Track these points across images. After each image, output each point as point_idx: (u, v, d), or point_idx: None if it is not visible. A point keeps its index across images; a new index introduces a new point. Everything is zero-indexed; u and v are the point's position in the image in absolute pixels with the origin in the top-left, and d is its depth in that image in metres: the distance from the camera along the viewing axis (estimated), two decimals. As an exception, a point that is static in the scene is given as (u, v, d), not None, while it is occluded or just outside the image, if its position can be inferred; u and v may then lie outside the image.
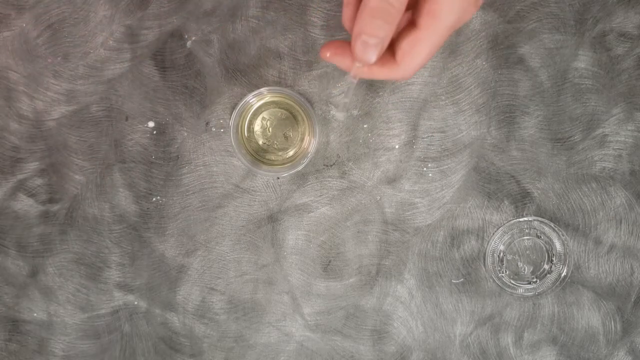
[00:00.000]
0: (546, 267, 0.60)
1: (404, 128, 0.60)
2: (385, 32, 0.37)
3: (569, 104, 0.59)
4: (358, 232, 0.60)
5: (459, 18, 0.37)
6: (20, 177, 0.60)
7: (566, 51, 0.59)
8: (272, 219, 0.60)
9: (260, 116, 0.59)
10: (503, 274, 0.60)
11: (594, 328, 0.60)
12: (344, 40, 0.41)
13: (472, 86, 0.59)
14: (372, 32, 0.37)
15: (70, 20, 0.59)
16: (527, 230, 0.60)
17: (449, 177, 0.60)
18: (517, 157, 0.59)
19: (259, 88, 0.57)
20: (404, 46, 0.38)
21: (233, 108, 0.59)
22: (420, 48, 0.38)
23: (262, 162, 0.59)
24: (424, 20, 0.37)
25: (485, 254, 0.60)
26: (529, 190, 0.60)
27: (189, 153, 0.60)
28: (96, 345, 0.61)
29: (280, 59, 0.59)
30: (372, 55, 0.38)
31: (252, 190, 0.60)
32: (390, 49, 0.39)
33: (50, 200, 0.60)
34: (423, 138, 0.60)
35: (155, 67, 0.59)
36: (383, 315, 0.61)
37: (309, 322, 0.61)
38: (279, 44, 0.59)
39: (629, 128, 0.59)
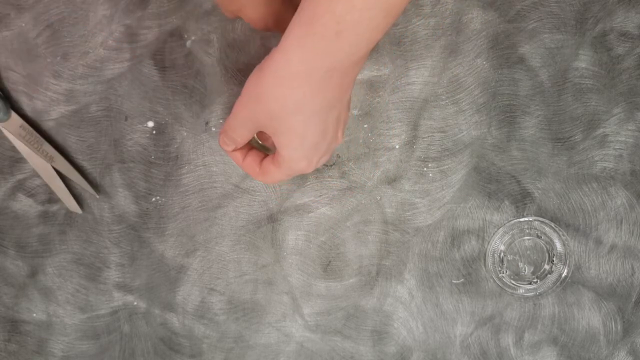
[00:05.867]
0: (547, 267, 0.60)
1: (404, 128, 0.59)
2: (233, 145, 0.52)
3: (569, 104, 0.59)
4: (358, 232, 0.60)
5: (293, 173, 0.51)
6: (19, 177, 0.60)
7: (567, 51, 0.59)
8: (272, 219, 0.60)
9: (260, 116, 0.59)
10: (503, 274, 0.60)
11: (595, 328, 0.60)
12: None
13: (473, 86, 0.59)
14: (226, 139, 0.52)
15: (70, 19, 0.59)
16: (527, 231, 0.60)
17: (450, 177, 0.60)
18: (517, 157, 0.59)
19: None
20: (264, 167, 0.52)
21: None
22: (272, 175, 0.52)
23: (262, 162, 0.59)
24: (275, 160, 0.51)
25: (485, 254, 0.60)
26: (529, 190, 0.60)
27: (188, 153, 0.60)
28: (96, 345, 0.61)
29: (280, 58, 0.59)
30: (227, 149, 0.53)
31: (252, 190, 0.60)
32: (262, 160, 0.53)
33: (50, 201, 0.60)
34: (423, 138, 0.59)
35: (155, 67, 0.59)
36: (383, 315, 0.60)
37: (309, 323, 0.61)
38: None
39: (630, 128, 0.59)
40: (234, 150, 0.53)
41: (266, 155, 0.53)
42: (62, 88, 0.59)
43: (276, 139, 0.48)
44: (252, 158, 0.53)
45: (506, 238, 0.60)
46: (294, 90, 0.44)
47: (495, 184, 0.60)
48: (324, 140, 0.49)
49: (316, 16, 0.41)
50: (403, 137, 0.59)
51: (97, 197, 0.60)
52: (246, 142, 0.52)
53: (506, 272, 0.60)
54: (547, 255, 0.60)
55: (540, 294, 0.59)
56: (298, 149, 0.48)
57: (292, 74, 0.44)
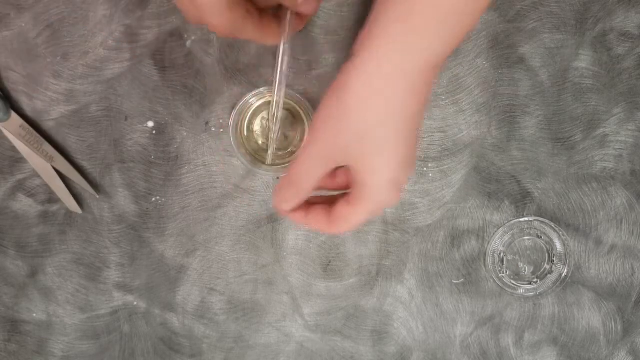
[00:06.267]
0: (547, 267, 0.60)
1: (404, 128, 0.59)
2: (296, 201, 0.47)
3: (569, 104, 0.59)
4: (358, 232, 0.60)
5: (379, 207, 0.45)
6: (19, 177, 0.60)
7: (567, 51, 0.59)
8: (272, 219, 0.60)
9: (260, 116, 0.59)
10: (503, 274, 0.60)
11: (595, 328, 0.60)
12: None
13: (473, 86, 0.59)
14: (287, 196, 0.47)
15: (70, 19, 0.59)
16: (527, 231, 0.60)
17: (450, 177, 0.60)
18: (517, 157, 0.59)
19: (258, 88, 0.57)
20: (336, 214, 0.46)
21: (232, 108, 0.58)
22: (348, 219, 0.46)
23: (262, 162, 0.59)
24: (353, 199, 0.45)
25: (485, 254, 0.60)
26: (529, 190, 0.60)
27: (188, 153, 0.60)
28: (96, 345, 0.61)
29: (280, 58, 0.59)
30: (285, 208, 0.48)
31: (252, 190, 0.60)
32: (329, 209, 0.47)
33: (50, 201, 0.60)
34: (423, 138, 0.59)
35: (155, 67, 0.59)
36: (383, 315, 0.60)
37: (309, 323, 0.61)
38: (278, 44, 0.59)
39: (630, 128, 0.59)
40: (295, 208, 0.48)
41: (331, 204, 0.47)
42: (62, 88, 0.59)
43: (361, 166, 0.43)
44: (318, 210, 0.48)
45: (506, 238, 0.60)
46: (388, 96, 0.41)
47: (495, 184, 0.60)
48: (412, 155, 0.45)
49: (414, 10, 0.40)
50: (403, 137, 0.59)
51: (97, 197, 0.60)
52: (314, 189, 0.46)
53: (506, 272, 0.60)
54: (547, 255, 0.60)
55: (540, 294, 0.59)
56: (387, 170, 0.44)
57: (386, 78, 0.41)
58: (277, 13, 0.51)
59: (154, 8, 0.59)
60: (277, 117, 0.55)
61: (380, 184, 0.44)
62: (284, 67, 0.51)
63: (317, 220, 0.47)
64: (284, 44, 0.51)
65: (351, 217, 0.46)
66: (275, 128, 0.56)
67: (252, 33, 0.48)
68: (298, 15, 0.49)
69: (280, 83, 0.53)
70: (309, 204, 0.48)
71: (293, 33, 0.50)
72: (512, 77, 0.59)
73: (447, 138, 0.59)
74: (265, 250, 0.60)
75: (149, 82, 0.59)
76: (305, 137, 0.59)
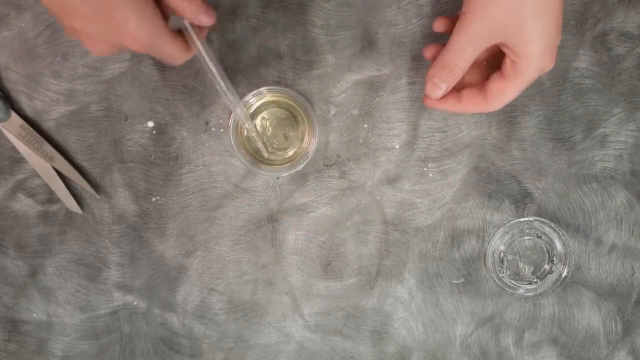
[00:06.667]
0: (547, 267, 0.60)
1: (404, 128, 0.59)
2: (449, 82, 0.50)
3: (569, 104, 0.59)
4: (358, 232, 0.60)
5: (536, 74, 0.48)
6: (19, 177, 0.60)
7: (567, 51, 0.59)
8: (272, 219, 0.60)
9: (260, 116, 0.59)
10: (503, 274, 0.60)
11: (595, 328, 0.60)
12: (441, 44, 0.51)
13: (473, 86, 0.59)
14: (440, 78, 0.50)
15: (70, 19, 0.59)
16: (527, 231, 0.60)
17: (450, 177, 0.60)
18: (517, 157, 0.59)
19: (258, 88, 0.57)
20: (492, 89, 0.49)
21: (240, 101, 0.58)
22: (504, 93, 0.49)
23: (262, 162, 0.59)
24: (508, 73, 0.48)
25: (485, 254, 0.60)
26: (529, 190, 0.60)
27: (188, 153, 0.60)
28: (95, 345, 0.61)
29: (280, 58, 0.59)
30: (438, 94, 0.51)
31: (252, 190, 0.60)
32: (482, 89, 0.50)
33: (50, 201, 0.60)
34: (423, 138, 0.59)
35: (155, 67, 0.59)
36: (383, 315, 0.60)
37: (309, 323, 0.61)
38: (278, 44, 0.59)
39: (630, 128, 0.59)
40: (447, 93, 0.51)
41: (480, 86, 0.51)
42: (62, 88, 0.59)
43: (518, 37, 0.47)
44: (471, 92, 0.51)
45: (506, 238, 0.60)
46: None
47: (495, 184, 0.60)
48: (561, 19, 0.47)
49: None
50: (403, 137, 0.59)
51: (97, 197, 0.60)
52: (463, 74, 0.50)
53: (506, 272, 0.60)
54: (547, 255, 0.60)
55: (540, 294, 0.59)
56: (544, 36, 0.47)
57: None
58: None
59: (154, 8, 0.59)
60: (237, 114, 0.55)
61: (538, 51, 0.47)
62: (215, 70, 0.50)
63: (472, 101, 0.51)
64: (202, 51, 0.49)
65: (508, 90, 0.49)
66: (247, 126, 0.57)
67: (169, 47, 0.46)
68: (198, 27, 0.48)
69: (221, 82, 0.51)
70: (457, 90, 0.52)
71: (201, 42, 0.49)
72: (512, 77, 0.59)
73: (447, 138, 0.59)
74: (265, 250, 0.60)
75: (149, 82, 0.59)
76: (306, 137, 0.59)
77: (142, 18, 0.43)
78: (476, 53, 0.49)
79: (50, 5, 0.43)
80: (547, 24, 0.47)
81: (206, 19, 0.46)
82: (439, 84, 0.51)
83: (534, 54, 0.47)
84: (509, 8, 0.46)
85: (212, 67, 0.50)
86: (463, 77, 0.52)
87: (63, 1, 0.43)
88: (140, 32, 0.43)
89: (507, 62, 0.49)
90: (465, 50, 0.49)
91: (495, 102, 0.50)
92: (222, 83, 0.51)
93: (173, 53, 0.46)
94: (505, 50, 0.48)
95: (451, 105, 0.52)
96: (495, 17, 0.47)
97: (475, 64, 0.52)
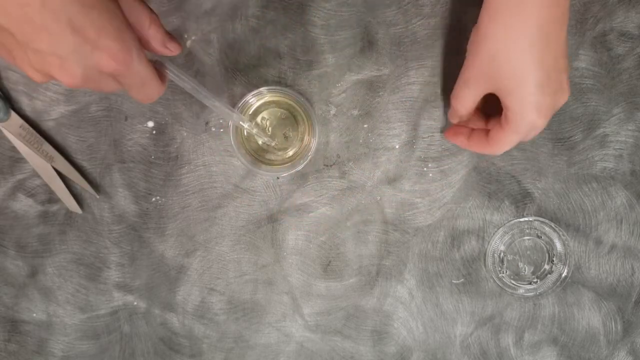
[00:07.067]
0: (547, 267, 0.60)
1: (404, 128, 0.59)
2: (455, 119, 0.55)
3: (569, 104, 0.59)
4: (358, 232, 0.60)
5: (528, 130, 0.49)
6: (19, 177, 0.60)
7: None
8: (272, 219, 0.60)
9: (260, 116, 0.59)
10: (503, 274, 0.60)
11: (595, 328, 0.60)
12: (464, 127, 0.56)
13: (473, 86, 0.59)
14: (450, 114, 0.56)
15: (70, 19, 0.59)
16: (527, 231, 0.60)
17: (450, 177, 0.60)
18: (517, 157, 0.59)
19: (258, 88, 0.57)
20: (493, 136, 0.52)
21: (233, 108, 0.58)
22: (502, 142, 0.51)
23: (262, 162, 0.59)
24: (503, 123, 0.50)
25: (485, 254, 0.59)
26: (529, 190, 0.60)
27: (188, 153, 0.60)
28: (95, 345, 0.61)
29: (280, 58, 0.59)
30: (453, 122, 0.56)
31: (252, 190, 0.60)
32: (488, 132, 0.53)
33: (50, 201, 0.60)
34: (423, 138, 0.59)
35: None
36: (383, 315, 0.60)
37: (309, 323, 0.61)
38: (278, 44, 0.59)
39: (630, 128, 0.59)
40: (458, 127, 0.56)
41: (487, 129, 0.53)
42: (62, 88, 0.59)
43: (503, 90, 0.48)
44: (478, 134, 0.54)
45: (506, 238, 0.60)
46: (520, 27, 0.46)
47: (495, 184, 0.60)
48: (556, 80, 0.48)
49: None
50: (403, 137, 0.59)
51: (97, 197, 0.60)
52: (470, 112, 0.53)
53: (506, 272, 0.60)
54: (547, 255, 0.60)
55: (540, 294, 0.59)
56: (527, 93, 0.48)
57: (518, 15, 0.46)
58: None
59: (154, 8, 0.58)
60: (237, 124, 0.55)
61: (522, 106, 0.48)
62: (201, 93, 0.49)
63: (477, 142, 0.54)
64: (181, 76, 0.47)
65: (504, 139, 0.51)
66: (253, 131, 0.57)
67: (149, 71, 0.41)
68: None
69: (209, 101, 0.50)
70: (471, 129, 0.55)
71: (176, 68, 0.47)
72: (512, 77, 0.59)
73: (447, 138, 0.59)
74: (265, 250, 0.60)
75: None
76: (306, 137, 0.59)
77: (118, 29, 0.38)
78: (474, 98, 0.51)
79: (9, 26, 0.35)
80: (531, 82, 0.47)
81: (174, 47, 0.43)
82: (451, 117, 0.55)
83: (519, 110, 0.48)
84: (489, 58, 0.48)
85: (198, 92, 0.49)
86: (477, 117, 0.55)
87: (28, 17, 0.35)
88: (118, 47, 0.38)
89: (504, 113, 0.50)
90: (462, 94, 0.52)
91: (496, 149, 0.52)
92: (209, 102, 0.50)
93: (152, 82, 0.42)
94: (501, 99, 0.49)
95: (461, 143, 0.56)
96: (481, 65, 0.48)
97: (486, 106, 0.55)
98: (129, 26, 0.39)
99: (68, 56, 0.37)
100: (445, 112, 0.59)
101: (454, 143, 0.57)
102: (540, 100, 0.48)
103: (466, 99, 0.52)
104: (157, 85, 0.43)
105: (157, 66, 0.45)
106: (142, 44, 0.42)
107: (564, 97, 0.49)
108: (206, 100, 0.50)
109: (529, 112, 0.48)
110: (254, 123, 0.58)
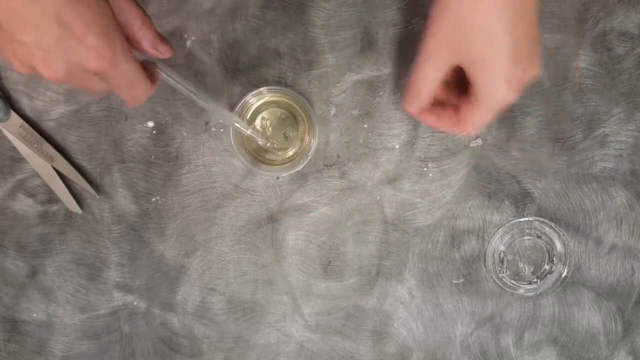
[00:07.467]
0: (547, 267, 0.60)
1: (404, 128, 0.59)
2: (418, 104, 0.49)
3: (569, 104, 0.59)
4: (358, 232, 0.60)
5: (497, 104, 0.45)
6: (19, 177, 0.60)
7: (567, 51, 0.59)
8: (272, 219, 0.60)
9: (260, 116, 0.59)
10: (503, 274, 0.60)
11: (595, 328, 0.60)
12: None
13: (473, 86, 0.59)
14: (410, 100, 0.49)
15: (70, 19, 0.59)
16: (527, 231, 0.60)
17: (450, 177, 0.60)
18: (517, 157, 0.59)
19: (258, 88, 0.57)
20: (462, 114, 0.48)
21: (232, 108, 0.58)
22: (473, 119, 0.47)
23: (262, 162, 0.59)
24: (471, 99, 0.46)
25: (485, 254, 0.59)
26: (529, 190, 0.60)
27: (188, 153, 0.60)
28: (95, 345, 0.61)
29: (280, 58, 0.59)
30: (411, 111, 0.50)
31: (252, 190, 0.60)
32: (458, 111, 0.48)
33: (50, 201, 0.60)
34: (423, 138, 0.59)
35: (155, 67, 0.59)
36: (383, 315, 0.60)
37: (309, 323, 0.61)
38: (278, 44, 0.59)
39: (630, 128, 0.59)
40: (425, 111, 0.49)
41: (457, 108, 0.48)
42: (62, 88, 0.59)
43: (472, 63, 0.44)
44: (448, 112, 0.49)
45: (506, 238, 0.60)
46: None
47: (495, 184, 0.60)
48: (529, 52, 0.43)
49: None
50: (403, 137, 0.59)
51: (97, 197, 0.60)
52: (432, 94, 0.48)
53: (506, 272, 0.60)
54: (547, 255, 0.60)
55: (540, 294, 0.59)
56: (498, 66, 0.43)
57: None
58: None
59: (154, 8, 0.59)
60: (235, 127, 0.55)
61: (492, 80, 0.44)
62: (181, 86, 0.48)
63: (447, 122, 0.49)
64: (176, 78, 0.47)
65: (474, 116, 0.47)
66: (252, 134, 0.56)
67: (136, 71, 0.41)
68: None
69: (205, 104, 0.50)
70: (441, 106, 0.49)
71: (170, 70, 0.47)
72: (512, 77, 0.59)
73: (447, 138, 0.59)
74: (265, 250, 0.60)
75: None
76: (306, 137, 0.59)
77: (105, 27, 0.37)
78: (438, 75, 0.46)
79: None
80: (503, 54, 0.43)
81: (165, 50, 0.42)
82: (411, 103, 0.49)
83: (489, 84, 0.44)
84: (454, 24, 0.43)
85: (190, 92, 0.48)
86: (446, 96, 0.50)
87: (14, 7, 0.34)
88: (104, 45, 0.37)
89: (471, 88, 0.46)
90: (424, 70, 0.46)
91: (467, 126, 0.48)
92: (203, 103, 0.49)
93: (140, 83, 0.41)
94: (468, 75, 0.45)
95: (431, 122, 0.50)
96: (446, 33, 0.44)
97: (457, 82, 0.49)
98: (118, 25, 0.38)
99: (52, 50, 0.36)
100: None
101: (421, 120, 0.51)
102: (511, 71, 0.43)
103: (429, 76, 0.46)
104: (145, 86, 0.42)
105: (149, 66, 0.44)
106: (133, 44, 0.41)
107: (535, 70, 0.44)
108: (200, 102, 0.49)
109: (499, 85, 0.44)
110: (252, 125, 0.58)
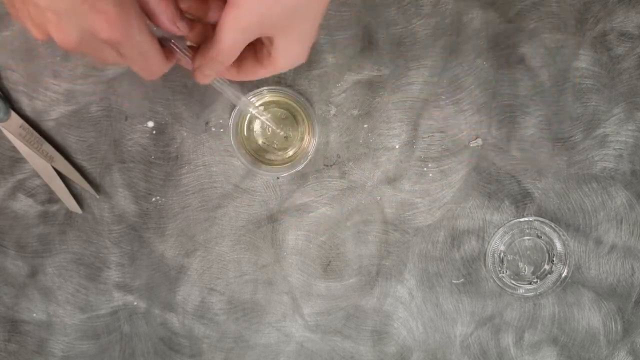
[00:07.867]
0: (547, 267, 0.60)
1: (404, 128, 0.59)
2: (216, 72, 0.45)
3: (569, 104, 0.59)
4: (358, 232, 0.60)
5: (289, 67, 0.45)
6: (19, 177, 0.60)
7: (567, 51, 0.59)
8: (272, 219, 0.60)
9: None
10: (503, 274, 0.60)
11: (595, 328, 0.60)
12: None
13: (473, 86, 0.59)
14: (210, 70, 0.44)
15: (70, 19, 0.59)
16: (527, 231, 0.60)
17: (450, 177, 0.60)
18: (517, 157, 0.59)
19: (258, 87, 0.57)
20: (245, 67, 0.46)
21: (233, 107, 0.58)
22: (253, 74, 0.46)
23: (262, 162, 0.59)
24: (262, 61, 0.45)
25: (485, 254, 0.60)
26: (529, 190, 0.60)
27: (188, 153, 0.60)
28: (95, 345, 0.61)
29: (280, 58, 0.59)
30: (206, 82, 0.46)
31: (252, 190, 0.60)
32: (255, 56, 0.46)
33: (50, 201, 0.60)
34: (423, 138, 0.59)
35: (155, 67, 0.59)
36: (383, 315, 0.60)
37: (309, 323, 0.61)
38: (278, 44, 0.59)
39: (630, 128, 0.59)
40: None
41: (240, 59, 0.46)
42: (62, 88, 0.59)
43: (279, 40, 0.42)
44: (247, 63, 0.47)
45: (506, 238, 0.60)
46: None
47: (495, 184, 0.60)
48: (315, 34, 0.44)
49: None
50: (403, 137, 0.59)
51: (97, 197, 0.60)
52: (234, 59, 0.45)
53: (506, 272, 0.60)
54: (547, 255, 0.60)
55: (540, 294, 0.59)
56: (298, 47, 0.43)
57: None
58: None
59: (154, 8, 0.59)
60: (249, 111, 0.55)
61: (287, 56, 0.44)
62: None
63: (251, 69, 0.46)
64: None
65: (258, 73, 0.46)
66: (264, 118, 0.56)
67: (149, 45, 0.40)
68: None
69: (227, 90, 0.50)
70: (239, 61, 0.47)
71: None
72: (512, 77, 0.59)
73: (447, 138, 0.59)
74: (265, 250, 0.60)
75: (149, 82, 0.59)
76: (306, 137, 0.59)
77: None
78: (246, 43, 0.43)
79: None
80: (305, 39, 0.43)
81: (183, 26, 0.41)
82: (208, 74, 0.45)
83: (283, 61, 0.44)
84: (281, 12, 0.40)
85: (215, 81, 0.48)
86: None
87: None
88: (116, 12, 0.36)
89: (264, 51, 0.44)
90: (235, 45, 0.42)
91: (246, 77, 0.47)
92: (218, 85, 0.49)
93: (154, 57, 0.40)
94: (264, 39, 0.43)
95: (232, 75, 0.48)
96: (268, 16, 0.41)
97: None
98: (134, 2, 0.37)
99: (65, 14, 0.35)
100: (446, 112, 0.59)
101: (220, 77, 0.49)
102: (303, 53, 0.44)
103: (237, 49, 0.42)
104: (159, 60, 0.41)
105: (163, 42, 0.43)
106: (150, 17, 0.40)
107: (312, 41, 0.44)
108: (215, 83, 0.49)
109: (292, 62, 0.44)
110: (262, 109, 0.58)
